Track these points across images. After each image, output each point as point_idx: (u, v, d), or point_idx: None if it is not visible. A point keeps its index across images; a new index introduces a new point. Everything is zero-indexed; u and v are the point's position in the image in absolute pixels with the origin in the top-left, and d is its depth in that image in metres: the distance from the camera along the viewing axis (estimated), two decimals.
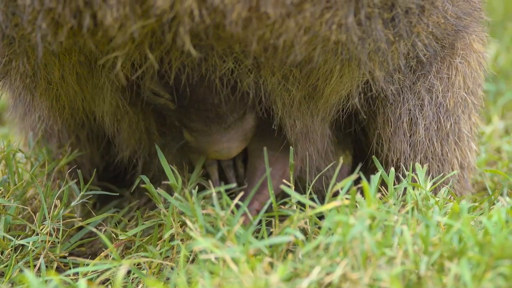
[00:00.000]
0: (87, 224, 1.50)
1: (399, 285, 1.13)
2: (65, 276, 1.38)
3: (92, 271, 1.39)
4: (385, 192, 1.43)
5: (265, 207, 1.34)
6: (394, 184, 1.41)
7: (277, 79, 1.36)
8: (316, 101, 1.42)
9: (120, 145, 1.55)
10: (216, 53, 1.31)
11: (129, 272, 1.39)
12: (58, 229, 1.48)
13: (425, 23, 1.36)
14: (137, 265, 1.41)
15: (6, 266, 1.43)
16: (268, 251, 1.27)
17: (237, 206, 1.36)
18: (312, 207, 1.32)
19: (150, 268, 1.37)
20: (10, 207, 1.51)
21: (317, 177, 1.51)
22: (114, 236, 1.48)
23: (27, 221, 1.51)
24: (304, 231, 1.36)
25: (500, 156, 1.93)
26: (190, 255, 1.37)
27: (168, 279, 1.35)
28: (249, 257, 1.21)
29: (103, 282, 1.40)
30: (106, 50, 1.28)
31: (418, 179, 1.41)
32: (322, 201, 1.38)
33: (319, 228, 1.36)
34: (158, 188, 1.43)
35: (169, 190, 1.46)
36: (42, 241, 1.46)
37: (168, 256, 1.39)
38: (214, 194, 1.33)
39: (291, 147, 1.43)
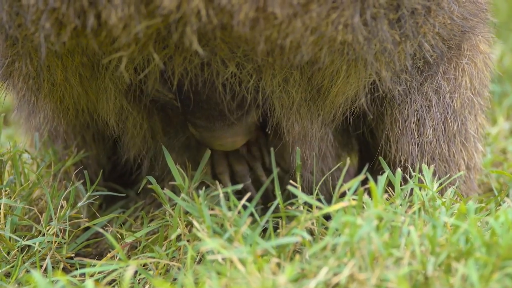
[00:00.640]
0: (94, 224, 1.50)
1: (406, 285, 1.13)
2: (72, 276, 1.38)
3: (98, 272, 1.39)
4: (392, 193, 1.43)
5: (272, 208, 1.34)
6: (401, 185, 1.41)
7: (278, 81, 1.36)
8: (320, 102, 1.42)
9: (125, 145, 1.55)
10: (219, 58, 1.31)
11: (135, 272, 1.39)
12: (65, 230, 1.48)
13: (432, 24, 1.36)
14: (144, 266, 1.41)
15: (13, 266, 1.43)
16: (275, 252, 1.27)
17: (244, 206, 1.36)
18: (319, 208, 1.32)
19: (157, 268, 1.37)
20: (16, 207, 1.51)
21: (322, 180, 1.50)
22: (120, 237, 1.48)
23: (33, 221, 1.52)
24: (311, 231, 1.36)
25: (506, 157, 1.93)
26: (197, 255, 1.37)
27: (175, 279, 1.35)
28: (256, 258, 1.21)
29: (110, 283, 1.40)
30: (109, 51, 1.28)
31: (424, 179, 1.41)
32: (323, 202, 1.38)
33: (326, 228, 1.36)
34: (165, 188, 1.43)
35: (175, 189, 1.46)
36: (48, 241, 1.46)
37: (174, 257, 1.39)
38: (221, 195, 1.33)
39: (297, 147, 1.43)
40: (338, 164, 1.54)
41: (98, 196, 1.57)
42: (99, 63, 1.33)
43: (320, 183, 1.47)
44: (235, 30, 1.21)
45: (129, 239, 1.44)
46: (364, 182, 1.38)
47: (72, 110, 1.46)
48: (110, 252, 1.43)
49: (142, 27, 1.20)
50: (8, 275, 1.44)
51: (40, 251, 1.45)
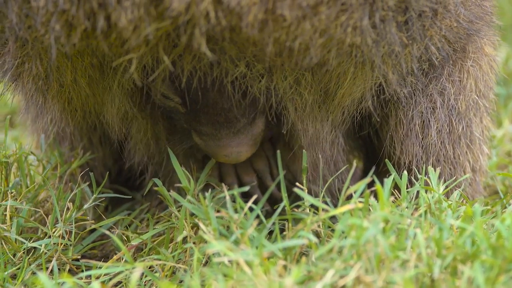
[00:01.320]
0: (100, 226, 1.51)
1: None
2: (78, 279, 1.39)
3: (104, 274, 1.39)
4: (398, 195, 1.43)
5: (279, 210, 1.34)
6: (407, 187, 1.41)
7: (289, 83, 1.36)
8: (328, 104, 1.42)
9: (129, 152, 1.55)
10: (228, 57, 1.31)
11: (142, 274, 1.38)
12: (70, 232, 1.48)
13: (438, 27, 1.36)
14: (150, 268, 1.41)
15: (19, 268, 1.43)
16: (281, 254, 1.27)
17: (251, 209, 1.36)
18: (325, 210, 1.32)
19: (163, 270, 1.37)
20: (22, 209, 1.51)
21: (328, 182, 1.50)
22: (126, 239, 1.48)
23: (39, 223, 1.52)
24: (317, 234, 1.36)
25: (511, 160, 1.93)
26: (203, 258, 1.37)
27: (181, 281, 1.35)
28: (263, 260, 1.21)
29: (116, 285, 1.40)
30: (119, 52, 1.28)
31: (430, 182, 1.41)
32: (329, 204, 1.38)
33: (333, 231, 1.35)
34: (171, 190, 1.43)
35: (180, 192, 1.46)
36: (54, 243, 1.46)
37: (181, 259, 1.39)
38: (227, 198, 1.33)
39: (304, 150, 1.43)
40: (345, 166, 1.54)
41: (104, 198, 1.57)
42: (108, 65, 1.33)
43: (326, 186, 1.46)
44: (243, 32, 1.21)
45: (135, 241, 1.44)
46: (370, 184, 1.38)
47: (80, 111, 1.47)
48: (116, 254, 1.43)
49: (152, 29, 1.20)
50: (14, 277, 1.44)
51: (46, 253, 1.45)
